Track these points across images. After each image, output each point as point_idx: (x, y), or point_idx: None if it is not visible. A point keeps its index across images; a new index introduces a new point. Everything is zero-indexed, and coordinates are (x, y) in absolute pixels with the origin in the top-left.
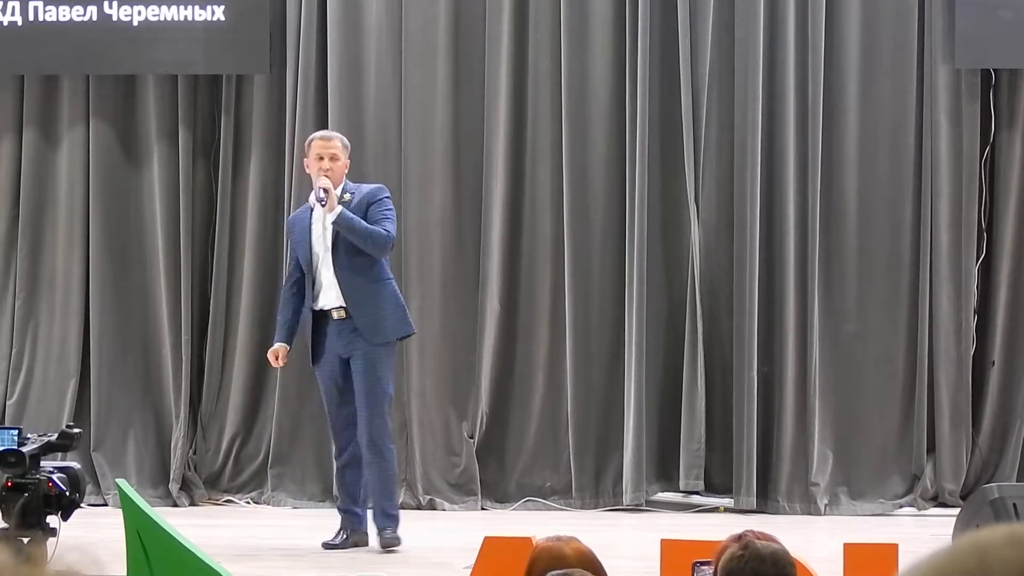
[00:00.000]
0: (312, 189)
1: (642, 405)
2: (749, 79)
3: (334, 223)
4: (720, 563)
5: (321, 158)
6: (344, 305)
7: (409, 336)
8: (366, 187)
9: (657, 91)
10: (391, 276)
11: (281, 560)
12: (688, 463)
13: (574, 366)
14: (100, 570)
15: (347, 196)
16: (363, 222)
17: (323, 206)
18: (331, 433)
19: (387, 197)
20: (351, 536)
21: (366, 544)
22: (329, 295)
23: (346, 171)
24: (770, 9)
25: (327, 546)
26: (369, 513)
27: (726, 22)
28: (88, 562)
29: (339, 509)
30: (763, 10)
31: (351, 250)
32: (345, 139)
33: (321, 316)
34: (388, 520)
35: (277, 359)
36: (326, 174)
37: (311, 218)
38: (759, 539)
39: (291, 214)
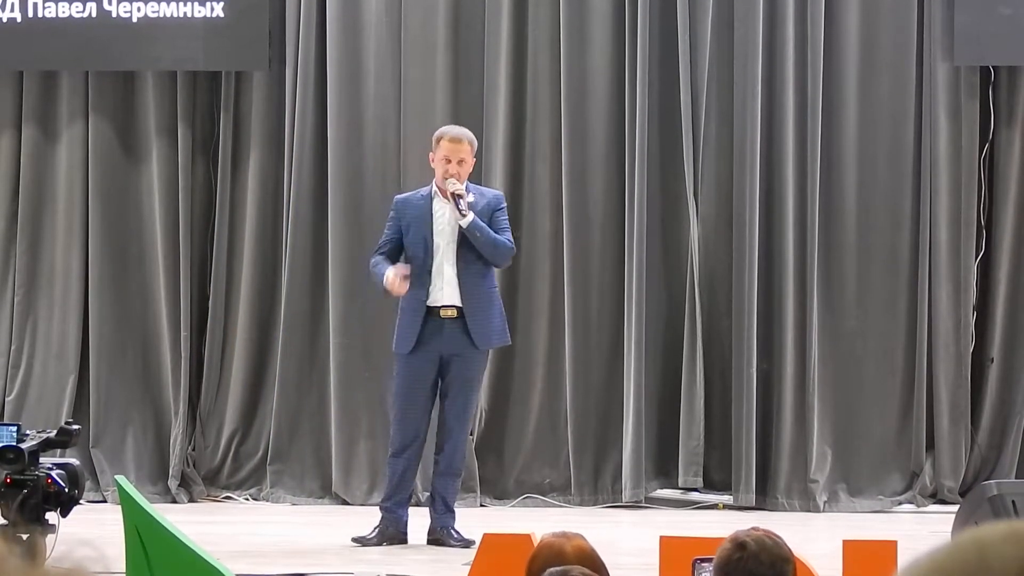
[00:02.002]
0: (433, 178)
1: (641, 402)
2: (748, 76)
3: (466, 230)
4: (716, 562)
5: (449, 160)
6: (459, 305)
7: (505, 345)
8: (489, 192)
9: (656, 87)
10: (497, 284)
11: (280, 557)
12: (687, 460)
13: (573, 363)
14: (106, 567)
15: (471, 197)
16: (491, 231)
17: (463, 213)
18: (396, 424)
19: (506, 206)
20: (387, 533)
21: (404, 542)
22: (445, 292)
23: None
24: (769, 6)
25: (358, 541)
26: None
27: (726, 18)
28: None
29: (383, 506)
30: (762, 7)
31: (473, 252)
32: (474, 138)
33: (428, 312)
34: (451, 519)
35: (402, 279)
36: (453, 177)
37: (431, 207)
38: (759, 536)
39: (401, 193)
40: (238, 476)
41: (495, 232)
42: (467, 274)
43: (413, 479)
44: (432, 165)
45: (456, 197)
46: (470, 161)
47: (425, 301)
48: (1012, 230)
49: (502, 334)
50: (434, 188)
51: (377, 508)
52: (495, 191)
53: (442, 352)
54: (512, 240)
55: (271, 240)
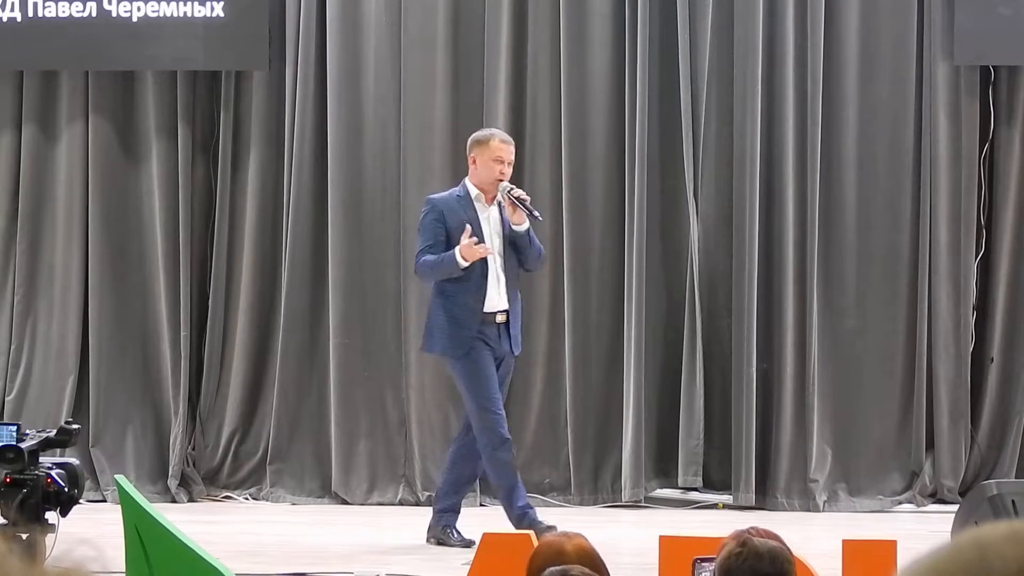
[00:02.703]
0: (463, 179)
1: (641, 401)
2: (748, 75)
3: (522, 234)
4: (718, 560)
5: (502, 161)
6: (507, 310)
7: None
8: None
9: (656, 87)
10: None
11: (280, 556)
12: (687, 460)
13: (573, 362)
14: (105, 566)
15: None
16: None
17: (534, 215)
18: (491, 416)
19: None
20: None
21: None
22: (495, 297)
23: None
24: (769, 5)
25: (466, 544)
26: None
27: (725, 18)
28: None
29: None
30: (762, 6)
31: (513, 258)
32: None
33: (484, 317)
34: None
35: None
36: (501, 179)
37: (478, 213)
38: (760, 536)
39: (434, 195)
40: (238, 476)
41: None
42: (511, 279)
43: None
44: (472, 166)
45: (521, 201)
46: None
47: (482, 306)
48: (1012, 230)
49: (521, 339)
50: (474, 190)
51: (375, 507)
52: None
53: (496, 355)
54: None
55: (271, 239)
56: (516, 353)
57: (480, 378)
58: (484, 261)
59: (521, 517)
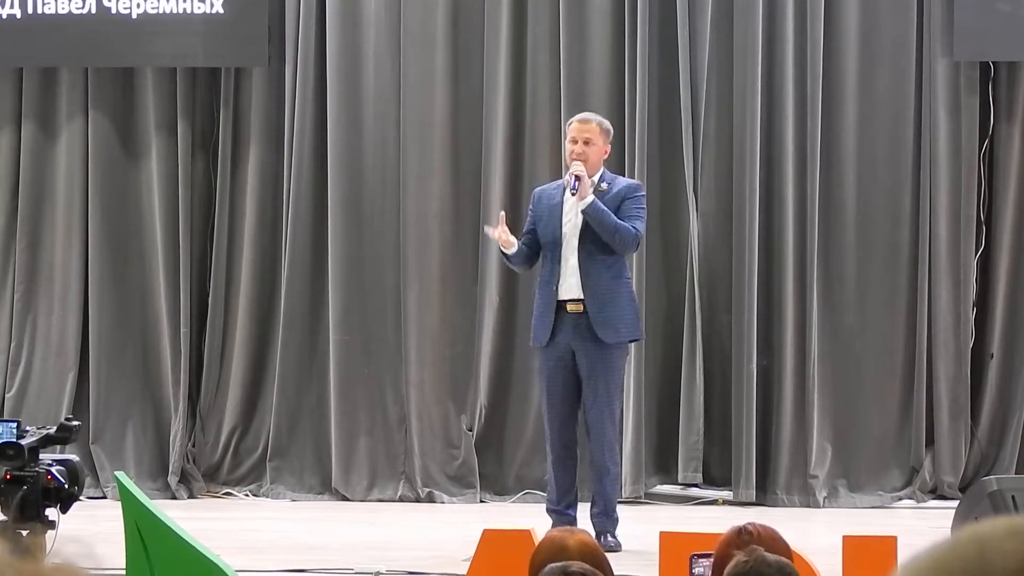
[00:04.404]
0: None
1: (641, 398)
2: (748, 71)
3: (584, 212)
4: (726, 570)
5: (575, 141)
6: (582, 297)
7: (638, 340)
8: (623, 181)
9: (656, 84)
10: (631, 276)
11: (280, 553)
12: (687, 456)
13: None
14: (96, 563)
15: (603, 186)
16: (613, 216)
17: (573, 193)
18: (546, 423)
19: (642, 195)
20: None
21: None
22: (570, 283)
23: (605, 157)
24: (769, 2)
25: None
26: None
27: (725, 13)
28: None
29: (548, 510)
30: (762, 3)
31: (598, 242)
32: (607, 123)
33: (559, 304)
34: (609, 524)
35: (501, 229)
36: (579, 158)
37: (563, 198)
38: (762, 533)
39: (541, 185)
40: (238, 472)
41: (623, 219)
42: (590, 264)
43: (570, 478)
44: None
45: (574, 177)
46: (600, 144)
47: (556, 295)
48: (1012, 226)
49: (632, 328)
50: (566, 180)
51: (375, 503)
52: (633, 181)
53: (573, 346)
54: (638, 228)
55: (271, 236)
56: (610, 341)
57: (544, 379)
58: (559, 247)
59: (548, 513)
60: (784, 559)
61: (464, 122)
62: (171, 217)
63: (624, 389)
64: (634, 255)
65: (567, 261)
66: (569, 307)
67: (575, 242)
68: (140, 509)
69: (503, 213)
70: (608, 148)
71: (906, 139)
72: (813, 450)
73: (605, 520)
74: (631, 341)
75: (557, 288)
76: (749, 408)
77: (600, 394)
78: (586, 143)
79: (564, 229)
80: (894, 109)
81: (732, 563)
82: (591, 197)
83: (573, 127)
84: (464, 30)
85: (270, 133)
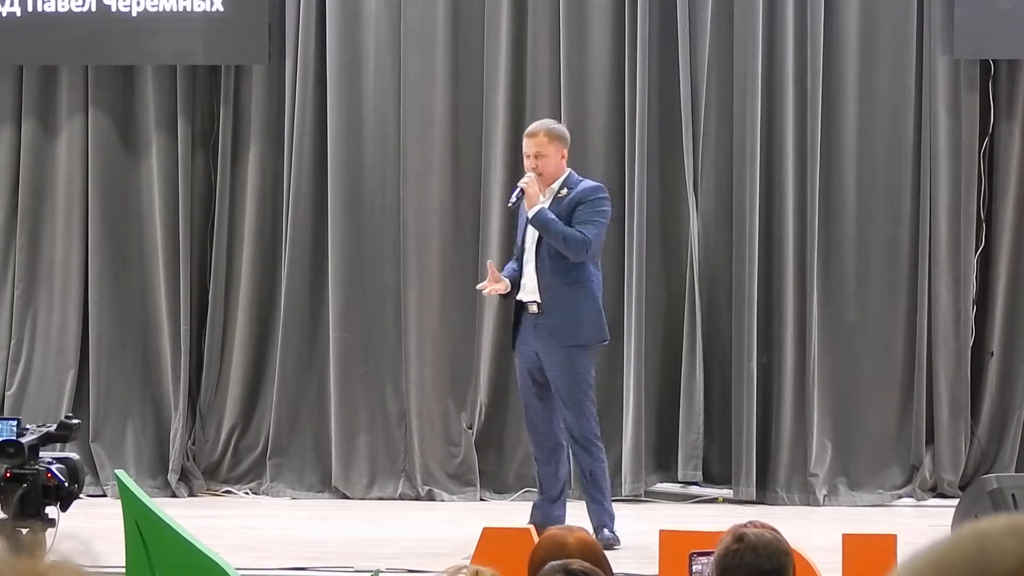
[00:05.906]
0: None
1: (641, 396)
2: (748, 69)
3: (530, 221)
4: (715, 556)
5: (527, 156)
6: (539, 301)
7: (603, 343)
8: (585, 185)
9: (656, 81)
10: (594, 279)
11: (280, 550)
12: (687, 454)
13: None
14: (94, 560)
15: (563, 192)
16: (559, 223)
17: (516, 206)
18: (524, 424)
19: (601, 198)
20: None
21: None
22: (528, 287)
23: (564, 160)
24: (769, 1)
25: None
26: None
27: (725, 12)
28: (82, 551)
29: (534, 505)
30: (762, 2)
31: (552, 249)
32: (557, 128)
33: (520, 307)
34: (605, 518)
35: (491, 285)
36: (532, 171)
37: (524, 209)
38: (759, 528)
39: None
40: (238, 470)
41: (576, 224)
42: (546, 269)
43: (551, 478)
44: None
45: (519, 190)
46: (552, 153)
47: (517, 297)
48: (1012, 224)
49: (593, 331)
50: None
51: (375, 501)
52: (594, 183)
53: (537, 350)
54: (586, 233)
55: (271, 234)
56: (566, 344)
57: (520, 384)
58: (522, 251)
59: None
60: (774, 538)
61: (464, 120)
62: (171, 215)
63: (596, 387)
64: (598, 258)
65: (527, 265)
66: (530, 308)
67: (533, 249)
68: (140, 507)
69: (491, 263)
70: (565, 151)
71: (906, 137)
72: (813, 448)
73: (601, 514)
74: (596, 343)
75: (522, 291)
76: (749, 406)
77: (566, 397)
78: (537, 156)
79: (527, 237)
80: (894, 107)
81: (721, 549)
82: (538, 206)
83: (524, 142)
84: (464, 28)
85: (270, 131)
